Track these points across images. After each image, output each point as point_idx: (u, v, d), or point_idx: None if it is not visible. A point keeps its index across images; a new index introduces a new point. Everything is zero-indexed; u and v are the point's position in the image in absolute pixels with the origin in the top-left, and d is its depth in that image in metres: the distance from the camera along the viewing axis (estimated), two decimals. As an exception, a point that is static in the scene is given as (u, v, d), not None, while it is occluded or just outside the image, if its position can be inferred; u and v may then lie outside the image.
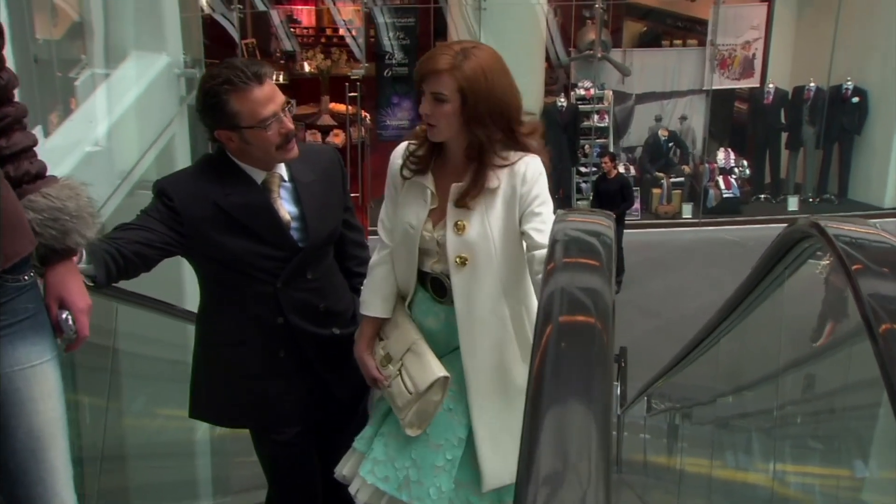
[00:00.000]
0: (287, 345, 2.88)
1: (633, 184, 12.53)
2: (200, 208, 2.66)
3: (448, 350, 2.78)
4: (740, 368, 3.58)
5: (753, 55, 12.72)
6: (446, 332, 2.79)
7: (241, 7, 11.59)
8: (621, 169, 12.54)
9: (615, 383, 6.68)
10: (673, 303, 10.15)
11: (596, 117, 12.58)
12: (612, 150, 12.59)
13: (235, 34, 11.63)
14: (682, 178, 12.74)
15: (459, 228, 2.62)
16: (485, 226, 2.61)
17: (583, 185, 12.65)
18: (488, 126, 2.54)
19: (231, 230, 2.69)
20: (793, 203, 12.80)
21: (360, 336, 2.89)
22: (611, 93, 12.69)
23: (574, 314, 1.29)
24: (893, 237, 1.47)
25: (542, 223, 2.53)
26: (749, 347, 3.27)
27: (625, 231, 10.62)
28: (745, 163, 12.88)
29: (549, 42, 12.78)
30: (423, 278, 2.79)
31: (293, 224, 2.77)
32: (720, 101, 12.98)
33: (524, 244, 2.62)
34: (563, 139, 12.22)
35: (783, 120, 12.84)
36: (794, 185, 13.08)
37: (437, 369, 2.72)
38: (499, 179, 2.59)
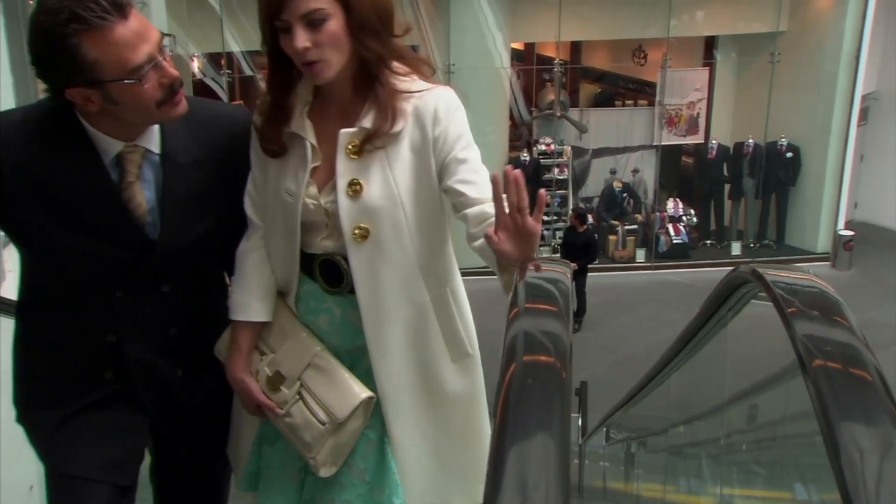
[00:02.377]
0: (115, 369, 1.97)
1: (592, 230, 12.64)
2: (13, 181, 1.76)
3: (349, 357, 2.01)
4: (690, 400, 3.59)
5: (698, 114, 12.89)
6: (344, 333, 2.00)
7: (229, 72, 11.63)
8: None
9: (576, 415, 6.67)
10: (630, 340, 10.17)
11: (556, 170, 12.66)
12: (571, 200, 12.68)
13: (224, 97, 11.65)
14: (635, 226, 12.81)
15: (355, 190, 1.87)
16: (389, 184, 1.87)
17: (545, 232, 12.71)
18: (380, 32, 1.83)
19: (57, 218, 1.79)
20: (736, 248, 12.90)
21: (233, 351, 2.02)
22: (569, 148, 12.79)
23: (536, 354, 1.30)
24: (824, 282, 1.49)
25: (472, 172, 1.85)
26: (697, 381, 3.29)
27: (587, 276, 10.63)
28: (693, 211, 12.99)
29: (512, 102, 12.89)
30: (310, 263, 1.98)
31: (150, 218, 1.87)
32: (669, 156, 13.11)
33: (450, 204, 1.92)
34: (528, 190, 12.31)
35: (725, 173, 12.96)
36: (736, 231, 13.19)
37: (358, 389, 1.95)
38: (404, 120, 1.86)
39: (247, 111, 2.05)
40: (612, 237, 12.73)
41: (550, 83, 12.87)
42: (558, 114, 12.62)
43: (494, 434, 1.09)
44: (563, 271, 1.65)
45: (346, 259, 1.92)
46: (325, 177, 1.92)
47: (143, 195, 1.85)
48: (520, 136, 13.46)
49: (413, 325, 1.97)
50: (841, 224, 12.63)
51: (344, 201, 1.87)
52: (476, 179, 1.84)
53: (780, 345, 1.36)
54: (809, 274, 1.53)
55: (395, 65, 1.88)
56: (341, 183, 1.88)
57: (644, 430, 4.71)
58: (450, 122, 1.87)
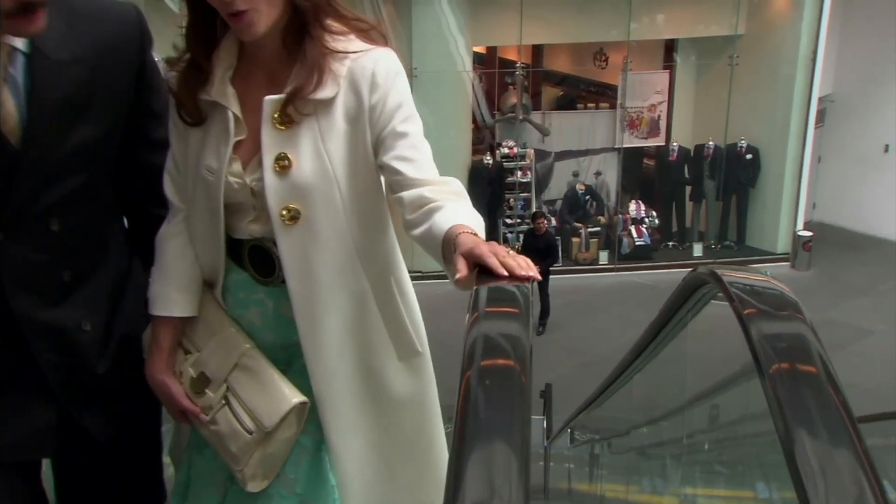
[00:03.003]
0: (4, 332, 1.61)
1: (555, 234, 12.69)
2: None
3: (285, 354, 1.78)
4: (652, 401, 3.62)
5: (659, 117, 13.00)
6: (278, 327, 1.77)
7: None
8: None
9: (541, 417, 6.69)
10: (594, 342, 10.22)
11: (519, 173, 12.70)
12: (534, 203, 12.72)
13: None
14: (598, 228, 12.89)
15: (282, 166, 1.63)
16: (322, 158, 1.64)
17: (509, 235, 12.74)
18: None
19: None
20: (697, 249, 13.02)
21: (154, 349, 1.78)
22: (532, 151, 12.83)
23: (495, 357, 1.30)
24: (781, 283, 1.50)
25: (412, 148, 1.63)
26: (659, 382, 3.31)
27: (550, 278, 10.67)
28: (654, 213, 13.09)
29: (475, 106, 12.91)
30: (238, 250, 1.76)
31: (21, 130, 1.53)
32: (630, 158, 13.19)
33: (386, 183, 1.70)
34: (490, 194, 12.33)
35: (687, 175, 13.08)
36: (698, 233, 13.31)
37: (290, 393, 1.71)
38: (337, 84, 1.62)
39: (131, 7, 1.72)
40: (575, 239, 12.79)
41: (512, 87, 12.91)
42: (521, 117, 12.66)
43: (454, 439, 1.08)
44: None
45: (276, 244, 1.69)
46: (251, 151, 1.68)
47: (12, 102, 1.52)
48: (483, 139, 13.49)
49: (351, 317, 1.73)
50: (800, 225, 12.80)
51: (270, 179, 1.64)
52: (416, 157, 1.63)
53: (740, 345, 1.37)
54: (767, 275, 1.55)
55: (331, 22, 1.65)
56: (267, 158, 1.64)
57: (608, 431, 4.73)
58: (389, 89, 1.63)
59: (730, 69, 12.39)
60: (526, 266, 1.37)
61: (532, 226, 10.94)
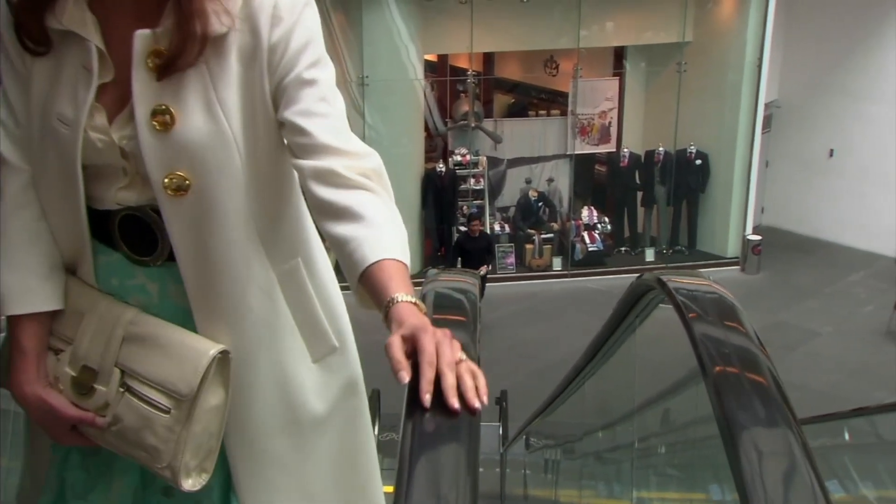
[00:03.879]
0: None
1: (508, 240, 12.73)
2: None
3: None
4: (604, 406, 3.65)
5: (609, 123, 13.11)
6: (168, 317, 1.41)
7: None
8: (497, 227, 12.75)
9: (497, 424, 6.71)
10: (549, 348, 10.27)
11: (472, 181, 12.73)
12: (487, 210, 12.75)
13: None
14: (551, 234, 12.95)
15: (163, 122, 1.29)
16: (214, 111, 1.31)
17: (462, 242, 12.76)
18: None
19: None
20: (650, 254, 13.14)
21: (17, 359, 1.38)
22: (484, 158, 12.87)
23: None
24: (723, 289, 1.53)
25: (321, 101, 1.35)
26: (610, 387, 3.34)
27: (502, 284, 10.71)
28: (607, 219, 13.19)
29: (427, 114, 12.92)
30: (104, 225, 1.38)
31: None
32: (582, 165, 13.30)
33: (288, 144, 1.37)
34: (443, 201, 12.34)
35: (638, 180, 13.20)
36: (650, 238, 13.44)
37: (203, 345, 1.36)
38: (230, 16, 1.29)
39: None
40: (528, 246, 12.84)
41: (464, 94, 12.95)
42: (473, 125, 12.70)
43: (401, 449, 1.08)
44: (471, 282, 1.66)
45: (157, 213, 1.33)
46: (119, 100, 1.31)
47: None
48: (435, 147, 13.51)
49: (258, 314, 1.42)
50: (749, 229, 12.99)
51: (147, 138, 1.28)
52: (325, 111, 1.34)
53: (690, 348, 1.39)
54: (710, 280, 1.57)
55: None
56: (141, 110, 1.28)
57: (562, 436, 4.76)
58: (294, 24, 1.33)
59: (678, 76, 12.56)
60: (472, 391, 1.08)
61: (466, 228, 10.96)
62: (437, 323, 1.26)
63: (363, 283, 1.25)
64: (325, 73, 1.38)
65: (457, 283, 1.65)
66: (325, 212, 1.31)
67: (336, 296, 1.57)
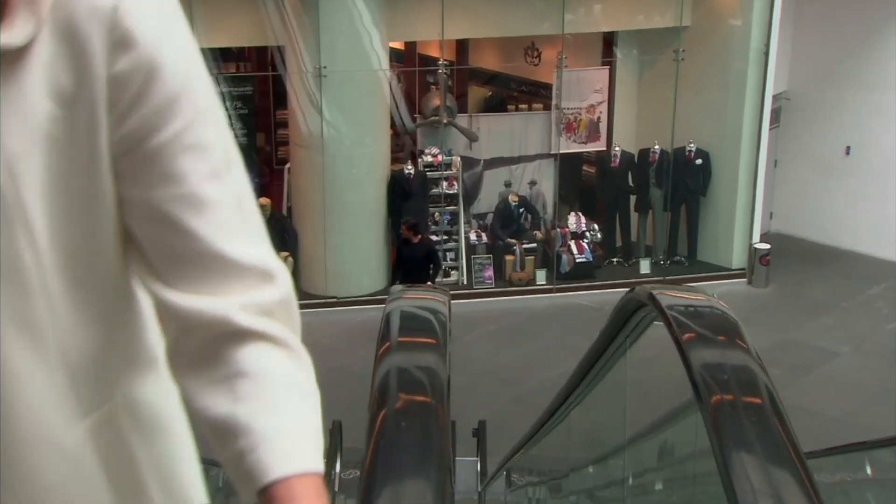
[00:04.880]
0: None
1: (486, 251, 12.76)
2: None
3: None
4: (593, 437, 3.67)
5: (598, 118, 13.20)
6: None
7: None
8: (472, 236, 12.77)
9: (474, 459, 6.70)
10: (531, 372, 10.29)
11: (445, 184, 12.76)
12: (462, 217, 12.77)
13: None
14: (534, 244, 12.99)
15: None
16: None
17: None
18: None
19: None
20: (645, 266, 13.20)
21: None
22: (458, 158, 12.91)
23: (409, 393, 1.31)
24: (726, 305, 1.55)
25: (212, 180, 1.01)
26: (600, 416, 3.36)
27: (479, 300, 10.74)
28: (597, 226, 13.24)
29: (393, 109, 12.95)
30: None
31: None
32: (568, 165, 13.37)
33: (144, 255, 1.04)
34: (413, 207, 12.32)
35: (631, 182, 13.28)
36: (644, 247, 13.50)
37: None
38: (33, 21, 0.92)
39: None
40: (508, 257, 12.87)
41: (435, 87, 13.00)
42: (445, 121, 12.74)
43: (362, 484, 1.09)
44: (441, 300, 1.67)
45: None
46: None
47: None
48: (403, 146, 13.53)
49: (70, 489, 1.10)
50: (756, 237, 13.08)
51: None
52: (218, 197, 1.01)
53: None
54: (708, 295, 1.59)
55: None
56: None
57: (547, 472, 4.77)
58: (160, 49, 0.97)
59: (675, 65, 12.65)
60: None
61: (405, 235, 11.06)
62: (402, 346, 1.27)
63: (262, 501, 1.00)
64: (216, 129, 1.02)
65: (424, 302, 1.66)
66: (199, 378, 1.03)
67: (181, 449, 1.26)
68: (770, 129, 12.93)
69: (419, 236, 10.94)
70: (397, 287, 1.64)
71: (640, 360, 2.58)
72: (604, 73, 13.32)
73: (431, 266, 10.87)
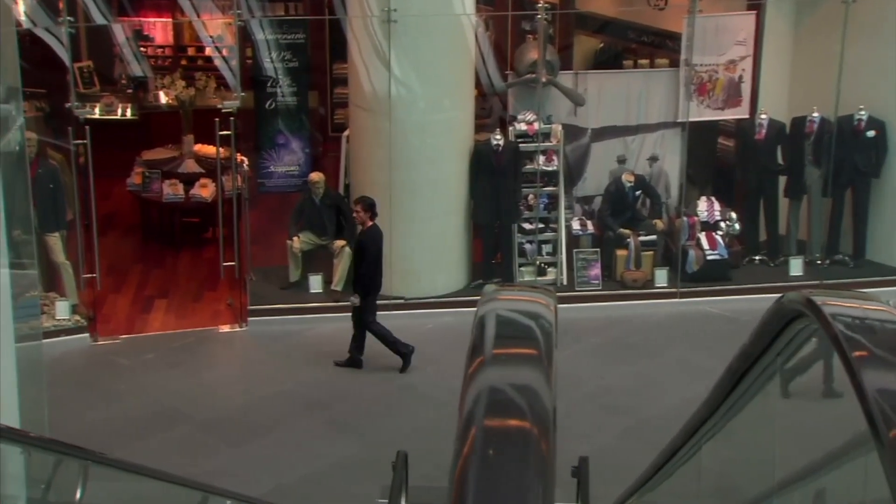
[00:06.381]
0: None
1: (592, 244, 12.70)
2: None
3: None
4: (730, 482, 3.64)
5: (740, 78, 13.04)
6: None
7: (71, 20, 11.52)
8: (576, 224, 12.72)
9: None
10: (646, 397, 10.24)
11: (542, 159, 12.73)
12: (562, 201, 12.72)
13: (65, 55, 11.56)
14: (653, 237, 12.92)
15: None
16: None
17: (527, 246, 12.73)
18: None
19: None
20: (796, 266, 13.04)
21: None
22: (560, 127, 12.87)
23: (504, 417, 1.32)
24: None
25: None
26: (739, 454, 3.33)
27: (582, 305, 10.68)
28: (734, 215, 13.10)
29: (479, 63, 12.94)
30: None
31: None
32: (699, 137, 13.24)
33: None
34: (501, 188, 12.31)
35: (780, 160, 13.16)
36: (796, 243, 13.35)
37: None
38: None
39: None
40: (620, 252, 12.82)
41: (532, 36, 12.96)
42: (544, 79, 12.70)
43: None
44: (545, 301, 1.67)
45: None
46: None
47: None
48: (489, 111, 13.55)
49: None
50: (942, 232, 12.86)
51: None
52: None
53: (855, 402, 1.39)
54: (886, 304, 1.57)
55: None
56: None
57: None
58: None
59: (844, 7, 12.45)
60: None
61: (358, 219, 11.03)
62: (499, 358, 1.28)
63: None
64: None
65: (525, 305, 1.67)
66: None
67: None
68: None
69: (373, 221, 10.74)
70: (490, 287, 1.65)
71: (794, 385, 2.55)
72: (749, 19, 13.16)
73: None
